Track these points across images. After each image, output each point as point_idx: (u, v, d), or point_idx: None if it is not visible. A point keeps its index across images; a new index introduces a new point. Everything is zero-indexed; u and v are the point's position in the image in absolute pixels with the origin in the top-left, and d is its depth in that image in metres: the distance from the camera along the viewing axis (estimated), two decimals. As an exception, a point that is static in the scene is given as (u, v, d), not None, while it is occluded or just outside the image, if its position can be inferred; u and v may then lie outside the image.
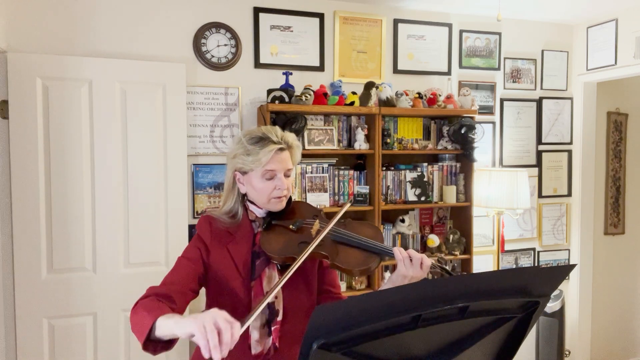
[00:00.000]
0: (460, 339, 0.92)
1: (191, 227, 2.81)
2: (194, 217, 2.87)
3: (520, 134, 3.63)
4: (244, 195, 1.51)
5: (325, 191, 2.97)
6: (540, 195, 3.71)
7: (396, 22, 3.27)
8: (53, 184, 2.53)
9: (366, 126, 3.05)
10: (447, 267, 1.46)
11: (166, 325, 1.13)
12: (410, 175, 3.14)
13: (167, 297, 1.30)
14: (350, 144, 3.08)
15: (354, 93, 2.97)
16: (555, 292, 3.37)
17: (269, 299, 1.24)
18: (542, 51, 3.66)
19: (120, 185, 2.63)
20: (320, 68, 3.11)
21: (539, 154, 3.69)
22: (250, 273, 1.43)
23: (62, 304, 2.55)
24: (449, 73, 3.41)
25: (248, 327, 1.41)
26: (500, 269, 3.51)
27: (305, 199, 2.92)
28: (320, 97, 2.83)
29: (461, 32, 3.43)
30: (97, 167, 2.59)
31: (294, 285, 1.44)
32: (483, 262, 3.53)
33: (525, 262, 3.69)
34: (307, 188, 2.94)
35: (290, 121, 2.75)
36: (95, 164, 2.59)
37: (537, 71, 3.66)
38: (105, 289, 2.61)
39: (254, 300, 1.41)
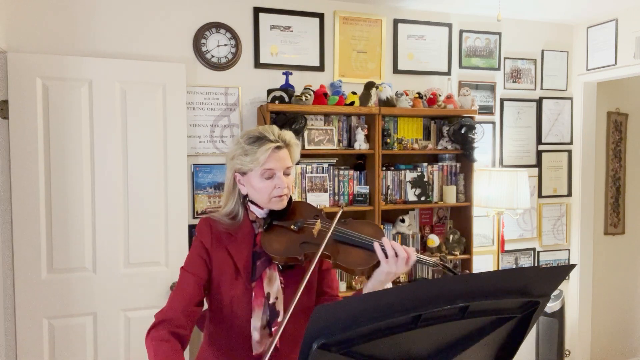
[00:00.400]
0: (461, 339, 0.92)
1: (191, 227, 2.80)
2: (194, 217, 2.87)
3: (520, 134, 3.63)
4: (245, 196, 1.50)
5: (325, 191, 2.97)
6: (540, 195, 3.71)
7: (396, 22, 3.27)
8: (53, 184, 2.53)
9: (366, 126, 3.05)
10: (449, 265, 1.46)
11: None
12: (410, 175, 3.14)
13: (178, 326, 1.35)
14: (350, 144, 3.08)
15: (354, 93, 2.97)
16: (555, 292, 3.37)
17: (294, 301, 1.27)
18: (542, 51, 3.66)
19: (120, 185, 2.63)
20: (320, 68, 3.11)
21: (539, 154, 3.69)
22: (251, 273, 1.43)
23: (62, 304, 2.55)
24: (449, 73, 3.41)
25: (249, 328, 1.41)
26: (500, 269, 3.51)
27: (305, 199, 2.92)
28: (320, 97, 2.83)
29: (461, 32, 3.43)
30: (97, 167, 2.59)
31: (294, 285, 1.44)
32: (483, 262, 3.53)
33: (525, 262, 3.68)
34: (307, 188, 2.94)
35: (290, 121, 2.75)
36: (95, 163, 2.59)
37: (537, 71, 3.66)
38: (105, 289, 2.61)
39: (254, 301, 1.41)
